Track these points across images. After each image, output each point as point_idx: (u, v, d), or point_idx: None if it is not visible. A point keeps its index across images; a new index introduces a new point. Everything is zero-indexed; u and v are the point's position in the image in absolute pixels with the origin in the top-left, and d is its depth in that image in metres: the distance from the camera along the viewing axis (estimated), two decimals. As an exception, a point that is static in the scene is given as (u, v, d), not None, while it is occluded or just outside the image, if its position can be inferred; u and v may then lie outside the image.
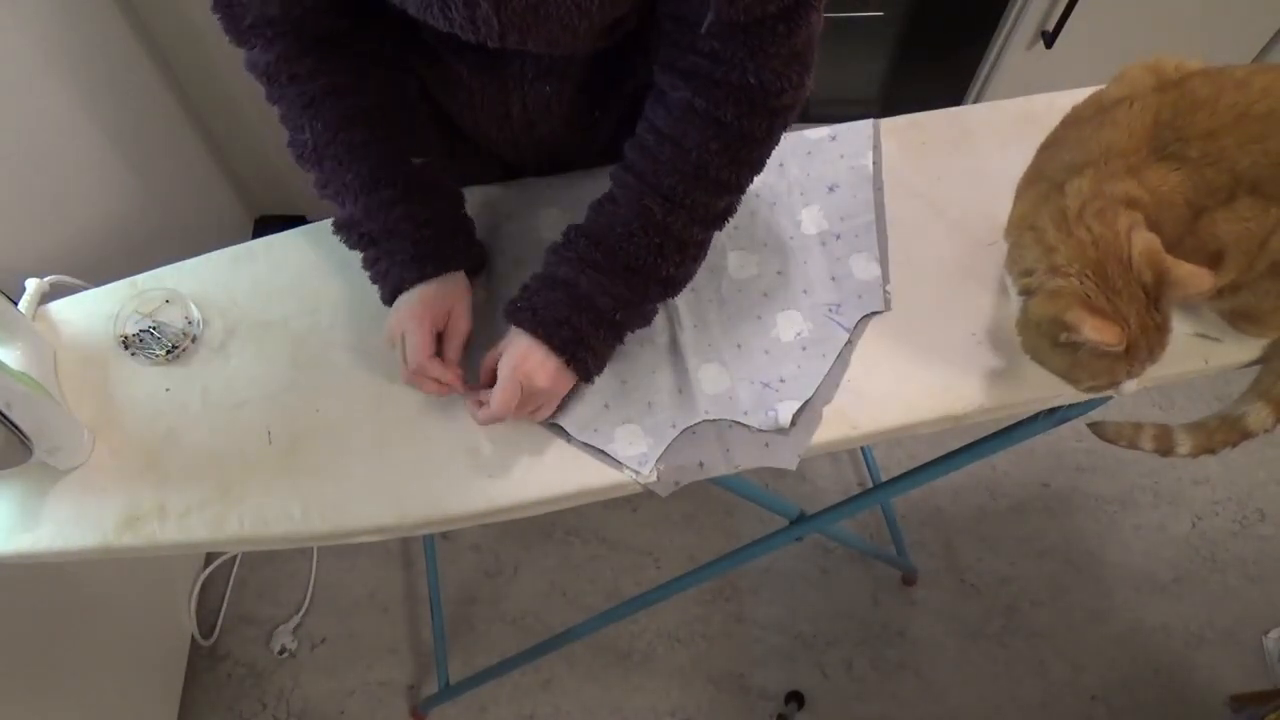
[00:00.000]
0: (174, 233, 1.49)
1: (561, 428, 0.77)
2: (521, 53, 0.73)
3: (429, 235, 0.75)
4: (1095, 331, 0.63)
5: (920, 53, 1.57)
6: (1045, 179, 0.74)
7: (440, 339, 0.76)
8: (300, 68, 0.71)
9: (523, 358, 0.72)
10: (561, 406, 0.78)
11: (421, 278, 0.75)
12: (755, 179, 0.74)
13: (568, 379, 0.74)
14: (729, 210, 0.75)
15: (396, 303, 0.77)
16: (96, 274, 0.89)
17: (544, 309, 0.72)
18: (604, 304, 0.72)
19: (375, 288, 0.78)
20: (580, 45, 0.69)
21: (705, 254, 0.77)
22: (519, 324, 0.73)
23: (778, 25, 0.64)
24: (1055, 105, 0.85)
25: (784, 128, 0.72)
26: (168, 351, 0.82)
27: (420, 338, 0.74)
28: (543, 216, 0.89)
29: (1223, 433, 0.78)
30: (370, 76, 0.74)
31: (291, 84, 0.71)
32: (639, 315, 0.76)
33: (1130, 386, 0.70)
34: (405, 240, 0.75)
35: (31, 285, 0.86)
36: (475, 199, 0.89)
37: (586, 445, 0.77)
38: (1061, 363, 0.70)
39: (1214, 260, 0.67)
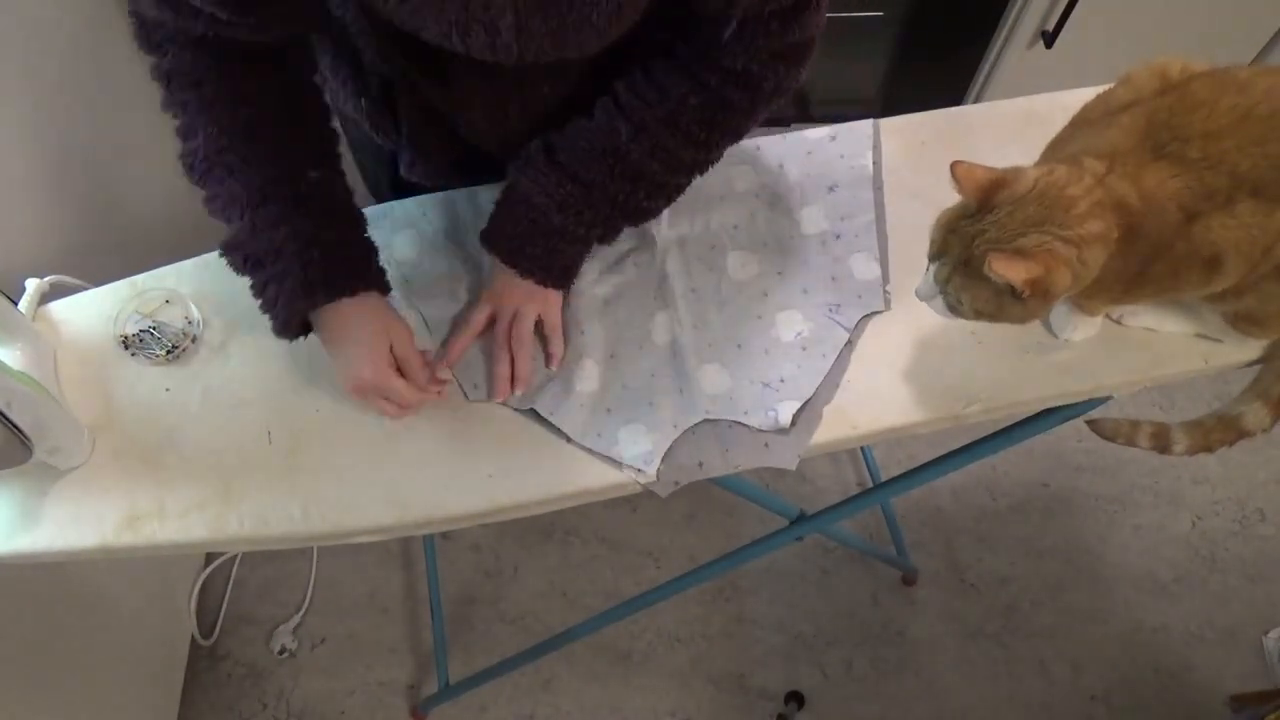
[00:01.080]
0: (174, 233, 1.49)
1: (563, 431, 0.77)
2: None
3: (316, 257, 0.70)
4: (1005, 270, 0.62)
5: (920, 53, 1.57)
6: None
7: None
8: (206, 75, 0.68)
9: (503, 287, 0.78)
10: (563, 409, 0.78)
11: (312, 306, 0.71)
12: (738, 157, 0.79)
13: (545, 292, 0.79)
14: (695, 165, 0.78)
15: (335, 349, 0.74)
16: (96, 274, 0.89)
17: (508, 231, 0.77)
18: (558, 221, 0.75)
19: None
20: (590, 54, 0.70)
21: (664, 199, 0.80)
22: (492, 249, 0.78)
23: (771, 24, 0.66)
24: (1056, 105, 0.85)
25: (767, 108, 0.74)
26: (168, 351, 0.82)
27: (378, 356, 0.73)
28: None
29: (1219, 432, 0.78)
30: (283, 91, 0.71)
31: (192, 89, 0.68)
32: (597, 226, 0.78)
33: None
34: (292, 261, 0.69)
35: (31, 285, 0.86)
36: (482, 199, 0.89)
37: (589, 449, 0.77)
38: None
39: (1210, 265, 0.66)
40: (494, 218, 0.79)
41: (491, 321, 0.80)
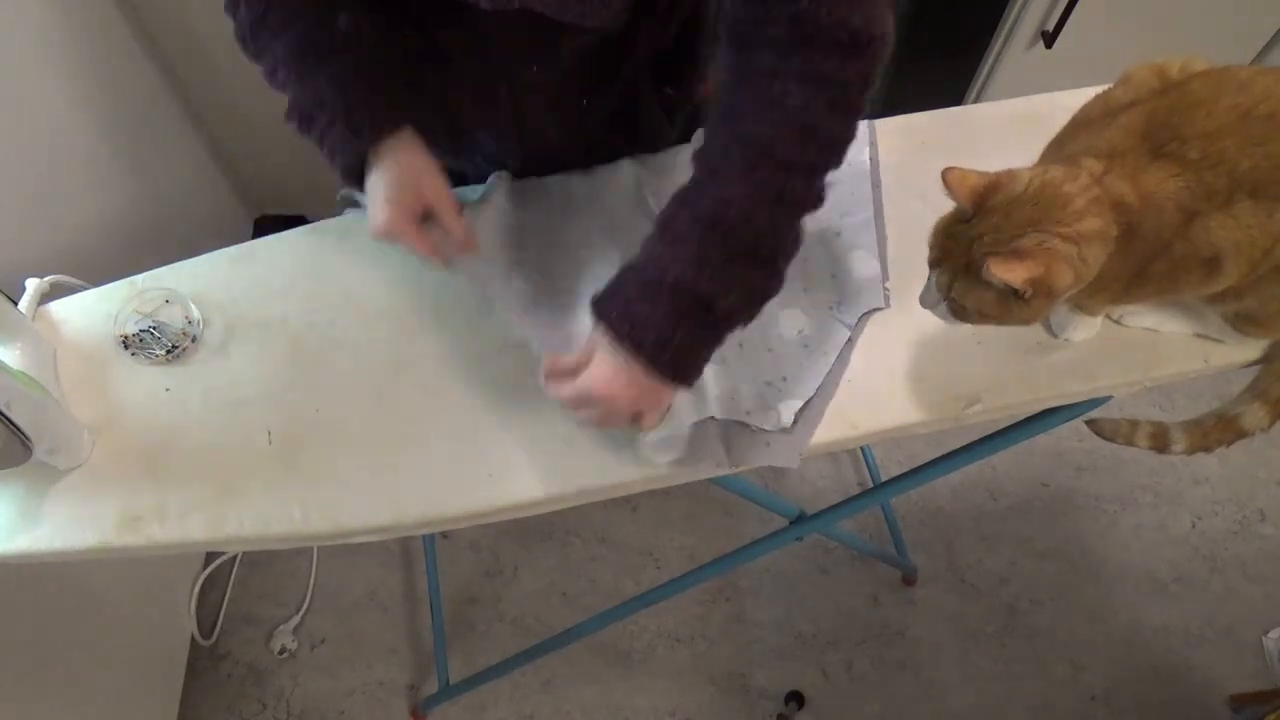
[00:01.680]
0: (174, 233, 1.49)
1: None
2: (514, 30, 0.71)
3: (356, 99, 0.71)
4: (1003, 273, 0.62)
5: (920, 53, 1.57)
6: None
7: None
8: None
9: (609, 380, 0.64)
10: None
11: (360, 149, 0.71)
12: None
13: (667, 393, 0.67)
14: (839, 158, 0.67)
15: (368, 200, 0.73)
16: (96, 274, 0.89)
17: (647, 322, 0.62)
18: (723, 307, 0.63)
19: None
20: (588, 24, 0.68)
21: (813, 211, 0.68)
22: (612, 334, 0.63)
23: None
24: (1056, 105, 0.85)
25: (879, 71, 0.66)
26: (168, 351, 0.82)
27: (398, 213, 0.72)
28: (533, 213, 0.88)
29: (1218, 432, 0.78)
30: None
31: None
32: (758, 299, 0.66)
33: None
34: (336, 107, 0.70)
35: (31, 285, 0.86)
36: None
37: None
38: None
39: (1210, 266, 0.66)
40: (624, 300, 0.65)
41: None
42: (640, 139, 0.90)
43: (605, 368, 0.64)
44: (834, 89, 0.63)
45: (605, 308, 0.64)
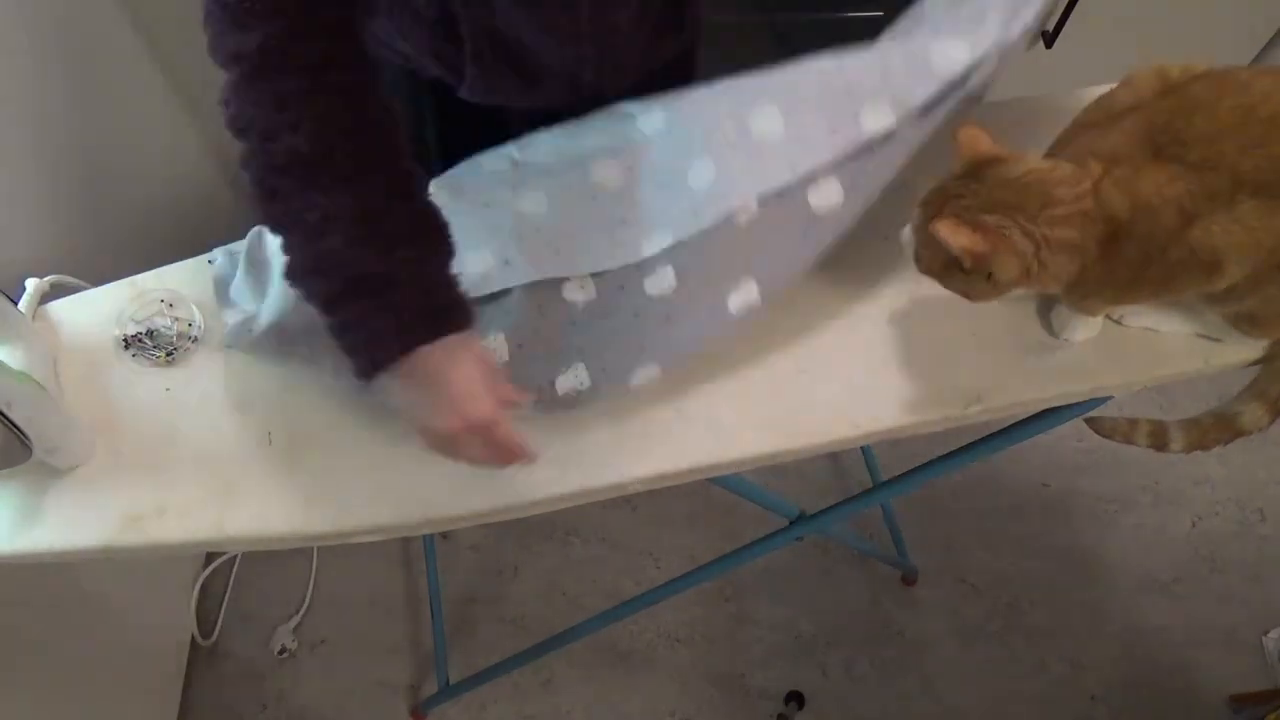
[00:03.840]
0: (174, 233, 1.49)
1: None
2: None
3: (442, 284, 0.61)
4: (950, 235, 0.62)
5: (920, 53, 1.57)
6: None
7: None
8: (304, 53, 0.57)
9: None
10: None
11: (432, 336, 0.59)
12: None
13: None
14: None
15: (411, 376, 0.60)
16: (96, 274, 0.89)
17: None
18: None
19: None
20: None
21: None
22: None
23: None
24: (1056, 105, 0.85)
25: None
26: (168, 353, 0.82)
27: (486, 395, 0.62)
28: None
29: (1216, 430, 0.79)
30: (378, 83, 0.60)
31: (290, 75, 0.56)
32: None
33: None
34: (413, 289, 0.59)
35: (31, 285, 0.86)
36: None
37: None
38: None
39: (1211, 267, 0.66)
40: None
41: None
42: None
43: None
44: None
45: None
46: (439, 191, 0.80)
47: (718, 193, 0.75)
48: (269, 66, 0.56)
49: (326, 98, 0.57)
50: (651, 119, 0.81)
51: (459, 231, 0.63)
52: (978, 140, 0.66)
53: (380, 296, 0.58)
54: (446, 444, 0.64)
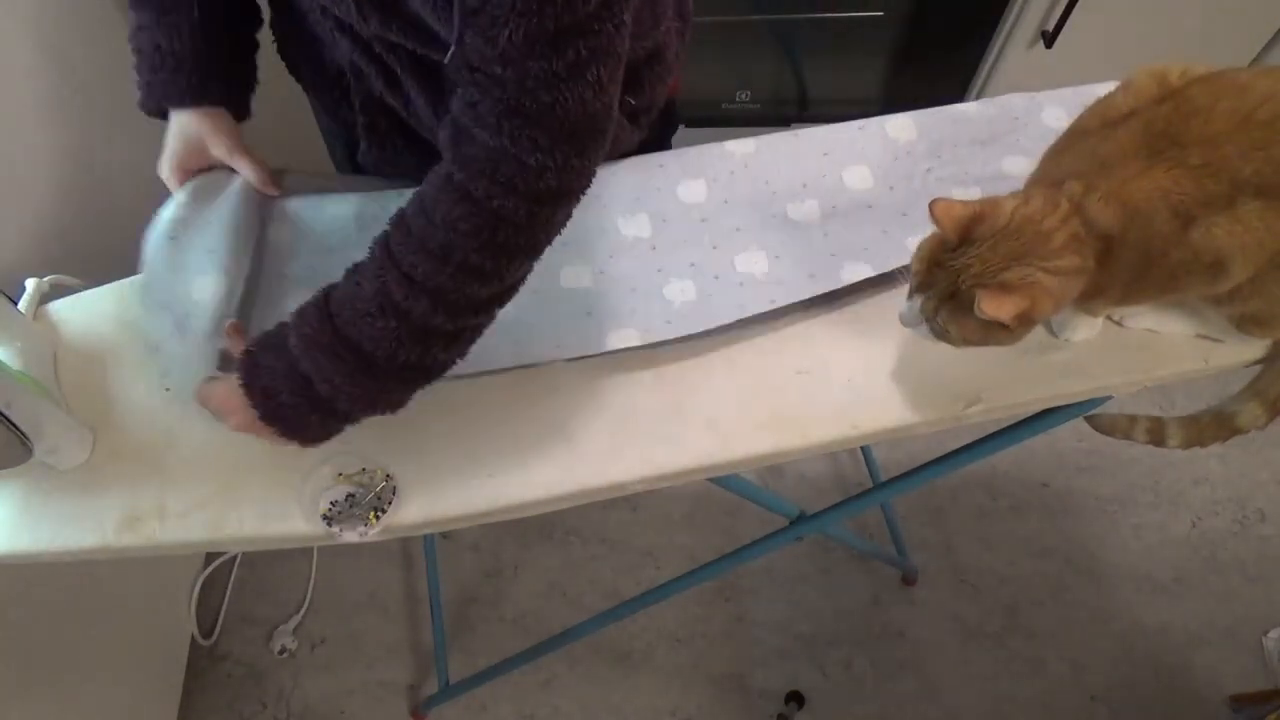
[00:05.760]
0: (174, 233, 1.49)
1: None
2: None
3: (166, 63, 0.75)
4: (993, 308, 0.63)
5: (920, 53, 1.57)
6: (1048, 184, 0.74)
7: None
8: None
9: (226, 398, 0.67)
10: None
11: (155, 111, 0.79)
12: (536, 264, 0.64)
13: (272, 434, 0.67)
14: (494, 299, 0.64)
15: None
16: (96, 274, 0.89)
17: (266, 373, 0.65)
18: (324, 390, 0.63)
19: None
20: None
21: (465, 343, 0.66)
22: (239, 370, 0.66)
23: (539, 95, 0.52)
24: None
25: (553, 214, 0.60)
26: (376, 512, 0.76)
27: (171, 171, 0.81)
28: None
29: (1214, 429, 0.79)
30: None
31: None
32: (377, 401, 0.66)
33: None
34: (142, 65, 0.76)
35: (31, 285, 0.86)
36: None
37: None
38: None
39: (1213, 269, 0.66)
40: (259, 346, 0.66)
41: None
42: None
43: (224, 388, 0.68)
44: (485, 218, 0.58)
45: (253, 343, 0.67)
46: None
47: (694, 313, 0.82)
48: None
49: None
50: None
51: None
52: (951, 207, 0.66)
53: (142, 56, 0.76)
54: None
